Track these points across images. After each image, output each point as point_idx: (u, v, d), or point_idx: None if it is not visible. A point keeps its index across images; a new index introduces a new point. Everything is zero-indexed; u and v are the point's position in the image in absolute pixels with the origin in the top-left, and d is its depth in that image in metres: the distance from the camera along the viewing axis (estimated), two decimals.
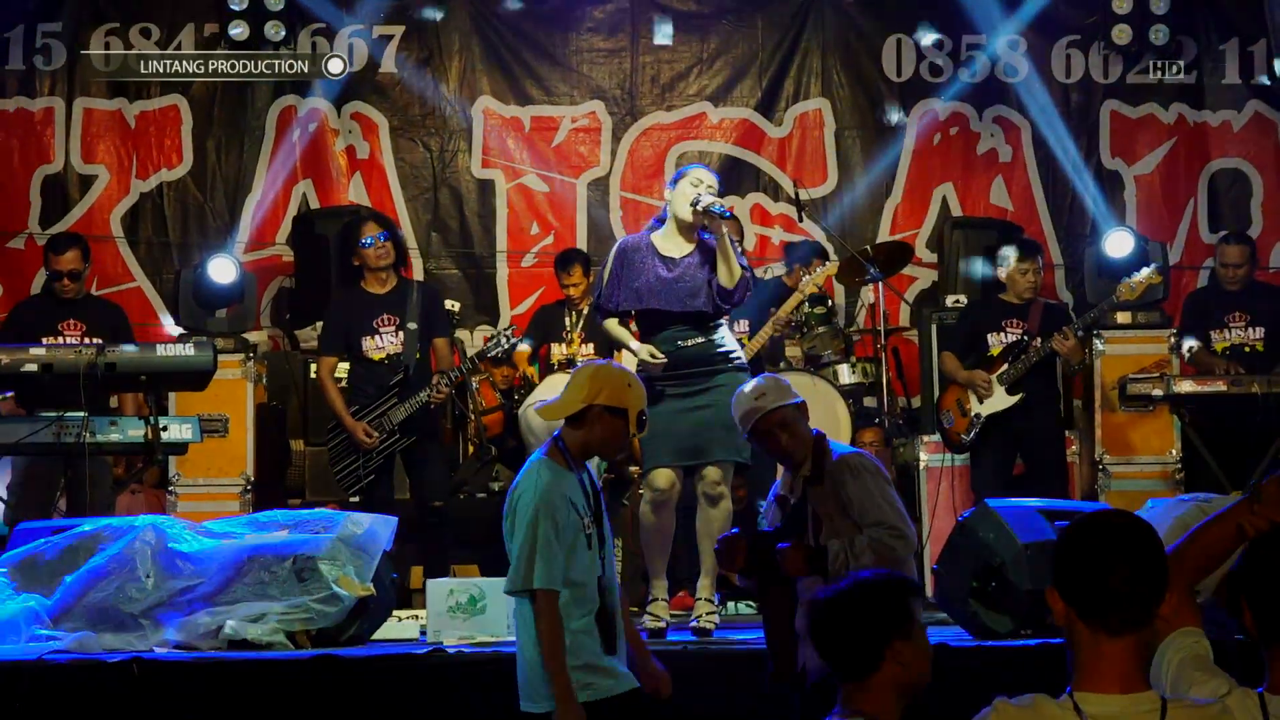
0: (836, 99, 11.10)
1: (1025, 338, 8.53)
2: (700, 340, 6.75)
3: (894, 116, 11.05)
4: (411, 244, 10.47)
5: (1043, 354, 8.41)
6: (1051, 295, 10.28)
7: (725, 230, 6.72)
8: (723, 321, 6.93)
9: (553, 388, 8.39)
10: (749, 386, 5.32)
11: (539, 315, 9.65)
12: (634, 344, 6.81)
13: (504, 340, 8.52)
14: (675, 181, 6.87)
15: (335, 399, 8.19)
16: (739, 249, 6.86)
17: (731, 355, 6.90)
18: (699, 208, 6.71)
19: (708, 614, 6.74)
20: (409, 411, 8.10)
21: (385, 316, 8.22)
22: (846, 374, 9.60)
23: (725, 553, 5.16)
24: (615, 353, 8.28)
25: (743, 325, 8.65)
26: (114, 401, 8.23)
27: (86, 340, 8.02)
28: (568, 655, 4.50)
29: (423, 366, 8.26)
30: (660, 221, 6.94)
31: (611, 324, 6.96)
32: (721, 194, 6.91)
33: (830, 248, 10.17)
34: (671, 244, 6.86)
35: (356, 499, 8.20)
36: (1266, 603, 2.95)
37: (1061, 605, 2.86)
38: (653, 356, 6.69)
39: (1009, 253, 8.70)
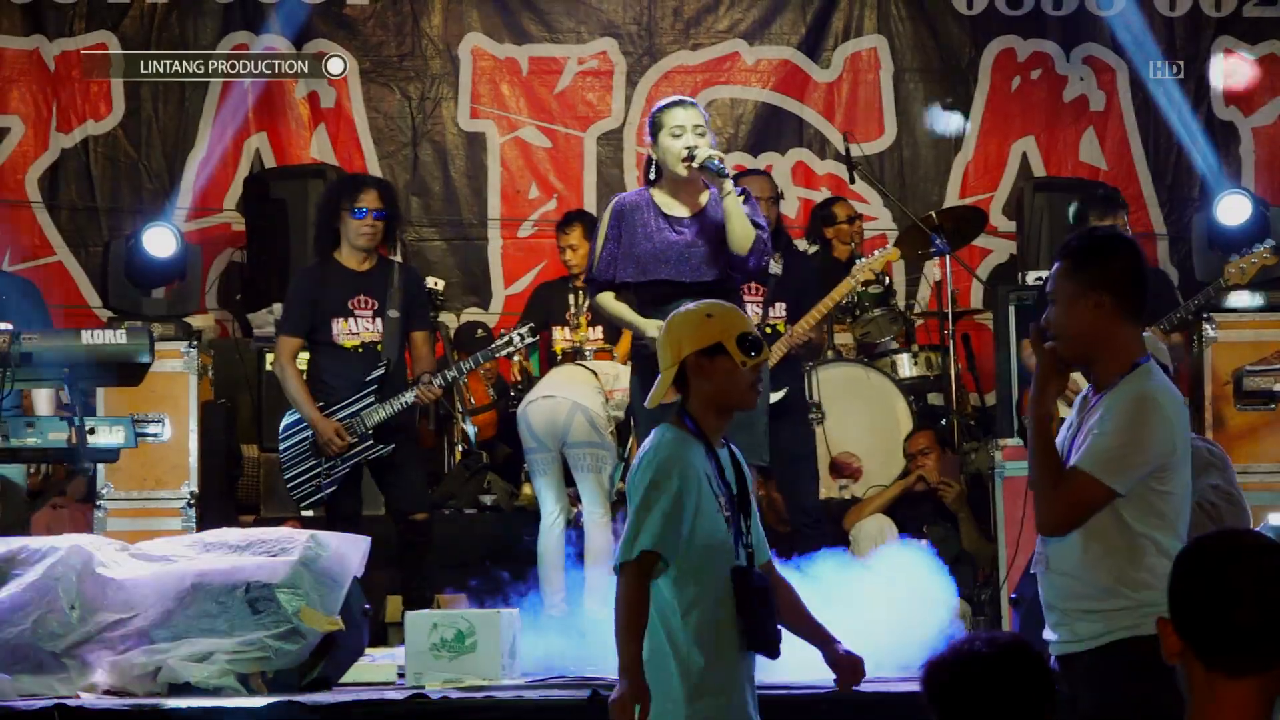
0: (895, 36, 11.07)
1: None
2: None
3: (964, 57, 11.01)
4: None
5: None
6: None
7: (730, 186, 6.66)
8: (739, 297, 6.89)
9: (557, 382, 8.36)
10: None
11: (538, 294, 9.63)
12: (639, 320, 6.76)
13: (519, 341, 8.43)
14: (653, 133, 6.82)
15: (299, 389, 8.12)
16: (756, 205, 6.82)
17: None
18: (695, 164, 6.66)
19: None
20: (388, 415, 8.08)
21: (362, 298, 8.16)
22: (907, 365, 9.58)
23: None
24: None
25: (779, 310, 8.51)
26: (25, 399, 8.21)
27: None
28: (693, 650, 4.47)
29: (399, 363, 8.23)
30: (656, 171, 6.89)
31: (606, 299, 6.91)
32: (721, 142, 6.84)
33: (890, 214, 10.14)
34: (676, 201, 6.83)
35: (311, 513, 8.17)
36: None
37: (1175, 641, 2.85)
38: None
39: (1082, 210, 8.67)
